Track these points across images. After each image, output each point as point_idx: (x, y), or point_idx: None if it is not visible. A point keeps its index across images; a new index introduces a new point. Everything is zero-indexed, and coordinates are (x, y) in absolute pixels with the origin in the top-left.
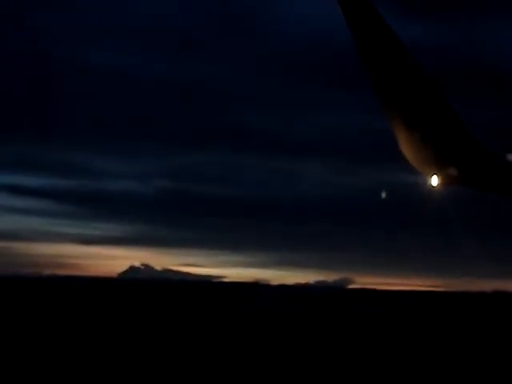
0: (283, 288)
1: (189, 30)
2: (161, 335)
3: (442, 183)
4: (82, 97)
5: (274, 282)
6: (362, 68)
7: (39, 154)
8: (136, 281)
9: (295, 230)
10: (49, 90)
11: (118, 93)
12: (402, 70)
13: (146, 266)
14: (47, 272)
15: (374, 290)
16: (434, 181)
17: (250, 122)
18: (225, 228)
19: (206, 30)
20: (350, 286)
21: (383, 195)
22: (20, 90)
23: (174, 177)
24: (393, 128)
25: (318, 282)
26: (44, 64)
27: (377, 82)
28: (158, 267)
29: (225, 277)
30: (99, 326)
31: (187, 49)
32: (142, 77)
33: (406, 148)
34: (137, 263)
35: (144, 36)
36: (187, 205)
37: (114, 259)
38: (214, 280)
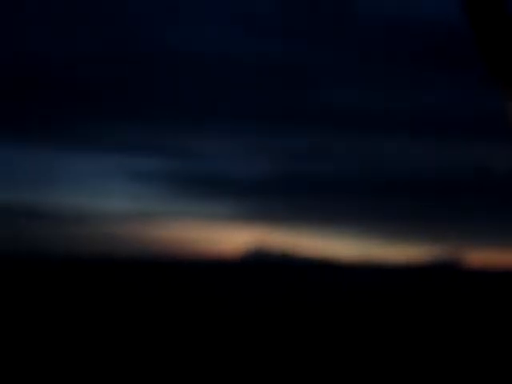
0: (395, 269)
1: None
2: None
3: None
4: (191, 83)
5: (386, 259)
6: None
7: (148, 137)
8: (252, 262)
9: (400, 204)
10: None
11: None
12: None
13: (263, 246)
14: (165, 254)
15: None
16: None
17: (339, 98)
18: (333, 204)
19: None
20: (463, 263)
21: (498, 164)
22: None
23: (279, 156)
24: (506, 103)
25: (431, 259)
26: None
27: (492, 58)
28: (273, 247)
29: (336, 252)
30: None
31: (283, 35)
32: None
33: None
34: (250, 243)
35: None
36: (293, 183)
37: (226, 239)
38: (328, 260)
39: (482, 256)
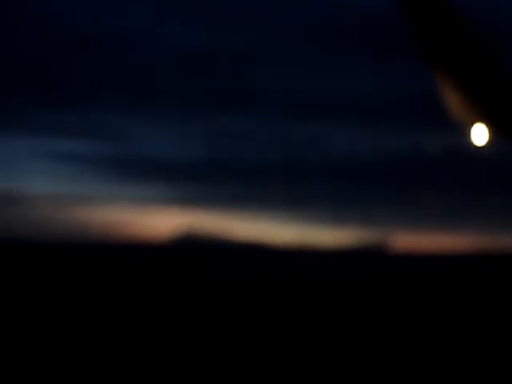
0: (326, 253)
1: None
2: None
3: (488, 141)
4: (120, 65)
5: (318, 242)
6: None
7: (76, 120)
8: (184, 245)
9: (337, 187)
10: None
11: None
12: (451, 25)
13: (196, 229)
14: (97, 237)
15: (419, 255)
16: (478, 138)
17: (281, 85)
18: (267, 187)
19: None
20: (391, 247)
21: (431, 150)
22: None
23: (214, 141)
24: (439, 84)
25: (358, 242)
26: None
27: (424, 37)
28: (206, 230)
29: (269, 236)
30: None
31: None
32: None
33: (452, 103)
34: (183, 226)
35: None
36: (228, 167)
37: (159, 222)
38: (260, 242)
39: (411, 240)
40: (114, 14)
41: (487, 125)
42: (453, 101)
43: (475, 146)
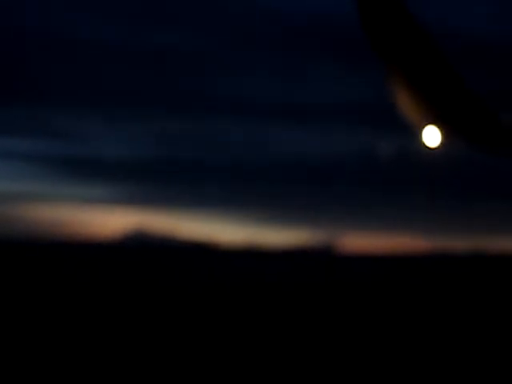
0: (274, 253)
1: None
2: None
3: (440, 142)
4: (68, 65)
5: (266, 243)
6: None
7: (22, 118)
8: (132, 244)
9: (286, 189)
10: (35, 55)
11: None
12: (403, 26)
13: (144, 229)
14: (46, 236)
15: (366, 256)
16: (430, 139)
17: (231, 88)
18: (217, 189)
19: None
20: (339, 248)
21: (382, 151)
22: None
23: (162, 141)
24: (391, 83)
25: (306, 243)
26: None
27: (375, 35)
28: (154, 230)
29: (218, 237)
30: (98, 295)
31: (162, 17)
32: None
33: (405, 104)
34: (131, 226)
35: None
36: (177, 167)
37: (107, 221)
38: (209, 243)
39: (358, 241)
40: (63, 10)
41: (439, 126)
42: (405, 102)
43: (427, 148)
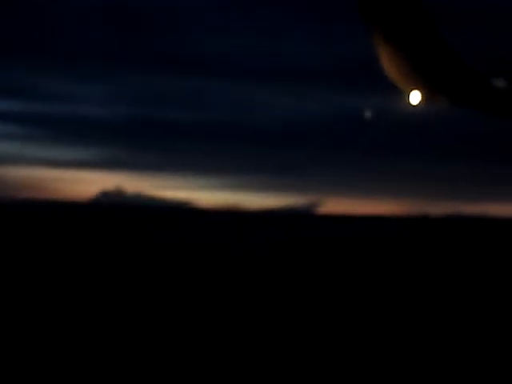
0: (253, 214)
1: None
2: (134, 268)
3: (423, 100)
4: (43, 21)
5: (245, 206)
6: None
7: None
8: (109, 205)
9: (263, 153)
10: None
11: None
12: None
13: (119, 190)
14: (18, 195)
15: (345, 215)
16: (415, 98)
17: (211, 47)
18: (195, 152)
19: None
20: (321, 210)
21: (367, 114)
22: None
23: (136, 101)
24: (375, 43)
25: (287, 206)
26: None
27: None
28: (131, 191)
29: (197, 200)
30: (72, 256)
31: None
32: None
33: (388, 63)
34: (109, 187)
35: None
36: (153, 129)
37: (85, 183)
38: (187, 205)
39: (339, 204)
40: None
41: (424, 89)
42: (390, 62)
43: (411, 106)
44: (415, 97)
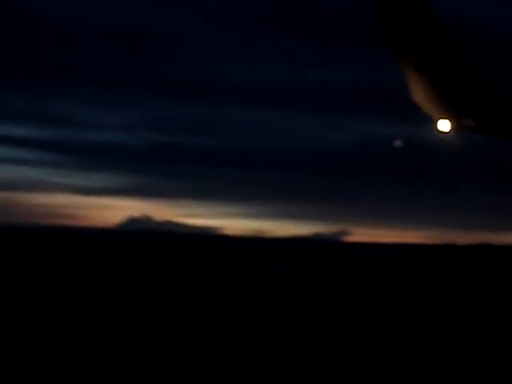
0: (281, 241)
1: None
2: (161, 292)
3: (453, 128)
4: (65, 47)
5: (273, 234)
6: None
7: (26, 105)
8: (136, 232)
9: (293, 181)
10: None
11: (98, 42)
12: (417, 17)
13: (146, 217)
14: (47, 222)
15: (373, 243)
16: (444, 126)
17: (235, 74)
18: (223, 179)
19: None
20: (349, 239)
21: (397, 144)
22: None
23: (163, 128)
24: (405, 73)
25: (316, 235)
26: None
27: (390, 27)
28: (158, 218)
29: (225, 228)
30: (100, 280)
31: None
32: (124, 27)
33: (418, 93)
34: (136, 214)
35: None
36: (180, 156)
37: (113, 210)
38: (215, 232)
39: (364, 232)
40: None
41: (452, 116)
42: (418, 91)
43: (439, 135)
44: (444, 124)
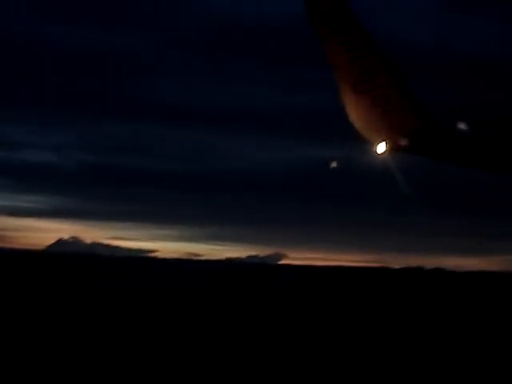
0: (214, 263)
1: None
2: (88, 312)
3: (389, 150)
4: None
5: (206, 257)
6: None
7: None
8: (65, 254)
9: (226, 204)
10: None
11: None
12: (354, 41)
13: (75, 239)
14: None
15: (306, 266)
16: (381, 148)
17: (165, 94)
18: (154, 201)
19: None
20: (282, 261)
21: (333, 165)
22: None
23: (95, 149)
24: (343, 96)
25: (249, 257)
26: None
27: (331, 51)
28: (88, 240)
29: (157, 251)
30: (26, 301)
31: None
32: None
33: (355, 115)
34: (66, 236)
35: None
36: (112, 178)
37: (42, 232)
38: (146, 254)
39: (300, 256)
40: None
41: (390, 138)
42: (357, 114)
43: (376, 156)
44: (381, 146)
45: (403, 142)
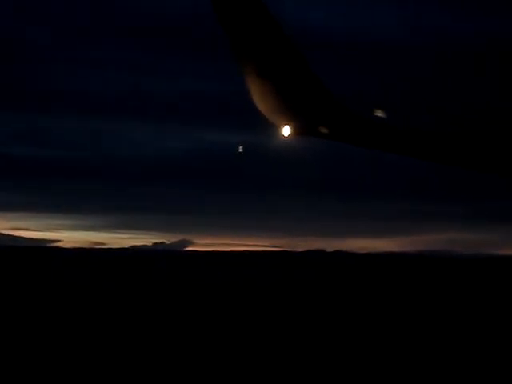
0: (121, 251)
1: None
2: None
3: (294, 133)
4: None
5: (110, 245)
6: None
7: None
8: None
9: (131, 191)
10: None
11: None
12: (261, 27)
13: None
14: None
15: (214, 251)
16: (286, 131)
17: (67, 83)
18: (57, 191)
19: None
20: (189, 248)
21: (239, 149)
22: None
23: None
24: (247, 79)
25: (155, 244)
26: None
27: (233, 34)
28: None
29: (60, 241)
30: None
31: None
32: None
33: (259, 98)
34: None
35: None
36: (12, 167)
37: None
38: (48, 244)
39: (207, 242)
40: None
41: (295, 122)
42: (261, 98)
43: (282, 140)
44: (287, 130)
45: (309, 126)
